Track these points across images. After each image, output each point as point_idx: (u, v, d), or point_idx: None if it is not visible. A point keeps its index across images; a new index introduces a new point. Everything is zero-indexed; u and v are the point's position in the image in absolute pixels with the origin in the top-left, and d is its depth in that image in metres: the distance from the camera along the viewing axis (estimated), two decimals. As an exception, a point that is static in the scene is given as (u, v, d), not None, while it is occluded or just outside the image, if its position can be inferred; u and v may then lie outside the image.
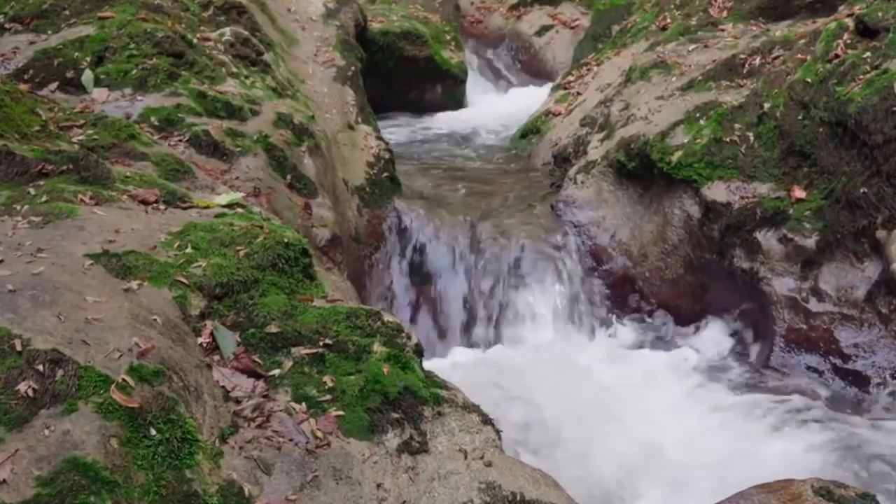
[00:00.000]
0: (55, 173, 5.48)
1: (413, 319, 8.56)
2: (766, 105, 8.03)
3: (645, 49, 11.03)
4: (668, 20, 11.52)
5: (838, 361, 7.18)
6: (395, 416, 4.51)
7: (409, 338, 5.00)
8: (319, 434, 4.24)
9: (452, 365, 7.60)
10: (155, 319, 4.34)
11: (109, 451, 3.51)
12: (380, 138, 10.39)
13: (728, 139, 8.04)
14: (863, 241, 7.21)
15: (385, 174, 9.71)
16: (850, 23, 7.92)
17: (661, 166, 8.32)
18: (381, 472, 4.24)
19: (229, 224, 5.38)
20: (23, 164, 5.43)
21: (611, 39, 13.66)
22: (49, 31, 8.23)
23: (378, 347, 4.78)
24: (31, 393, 3.57)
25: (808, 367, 7.28)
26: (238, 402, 4.34)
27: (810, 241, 7.38)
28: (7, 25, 8.39)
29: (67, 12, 8.42)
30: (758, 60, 8.93)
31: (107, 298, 4.29)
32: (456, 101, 15.34)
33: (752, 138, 7.96)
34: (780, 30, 9.75)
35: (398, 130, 13.70)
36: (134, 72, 7.67)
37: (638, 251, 8.62)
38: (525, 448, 6.25)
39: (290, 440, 4.18)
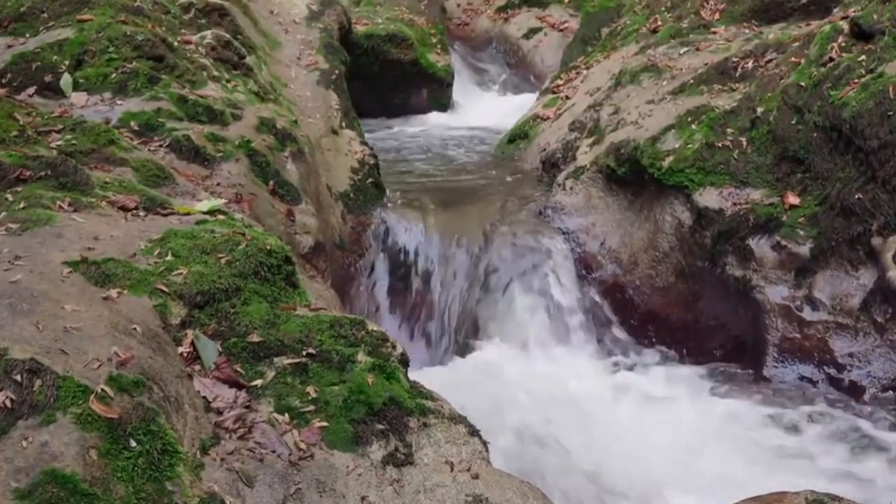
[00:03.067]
0: (33, 179, 5.41)
1: (398, 328, 8.47)
2: (760, 109, 7.95)
3: (635, 52, 11.01)
4: (659, 23, 11.49)
5: (833, 371, 7.10)
6: (380, 427, 4.46)
7: (394, 347, 4.96)
8: (303, 446, 4.21)
9: (437, 375, 7.51)
10: (135, 328, 4.28)
11: (88, 462, 3.44)
12: (364, 143, 10.34)
13: (720, 144, 7.95)
14: (858, 248, 7.12)
15: (370, 180, 9.64)
16: (844, 25, 7.85)
17: (652, 172, 8.24)
18: (365, 484, 4.19)
19: (210, 231, 5.33)
20: (0, 169, 5.35)
21: (600, 42, 13.63)
22: (27, 35, 8.12)
23: (362, 357, 4.75)
24: (8, 403, 3.49)
25: (802, 378, 7.20)
26: (219, 412, 4.30)
27: (804, 249, 7.29)
28: (-16, 29, 8.29)
29: (46, 15, 8.31)
30: (751, 64, 8.88)
31: (86, 307, 4.23)
32: (442, 105, 15.38)
33: (744, 143, 7.87)
34: (773, 32, 9.70)
35: (383, 135, 13.66)
36: (113, 75, 7.57)
37: (628, 258, 8.52)
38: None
39: (273, 452, 4.13)
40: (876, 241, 6.98)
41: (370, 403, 4.50)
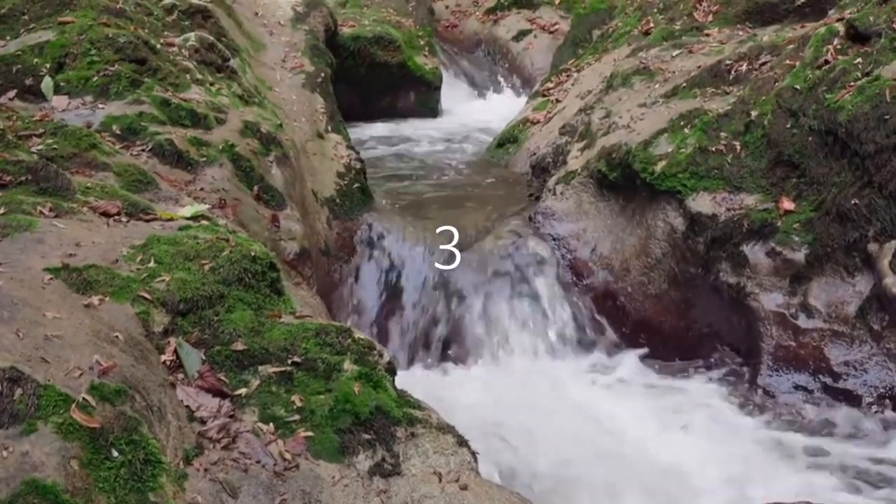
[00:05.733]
0: (13, 184, 5.35)
1: (384, 336, 8.38)
2: (754, 113, 7.89)
3: (627, 54, 11.00)
4: (651, 25, 11.50)
5: (828, 380, 7.01)
6: (367, 437, 4.41)
7: (381, 355, 4.89)
8: (288, 456, 4.15)
9: (424, 382, 7.45)
10: (117, 336, 4.20)
11: (70, 473, 3.37)
12: (351, 148, 10.30)
13: (714, 148, 7.88)
14: (854, 254, 7.05)
15: (356, 185, 9.59)
16: (840, 27, 7.81)
17: (644, 177, 8.16)
18: (352, 495, 4.13)
19: (194, 237, 5.27)
20: (-21, 175, 5.29)
21: (591, 44, 13.68)
22: (7, 37, 8.04)
23: (349, 365, 4.68)
24: (-13, 412, 3.44)
25: (797, 386, 7.11)
26: (203, 422, 4.23)
27: (799, 255, 7.21)
28: (-36, 31, 8.20)
29: (27, 17, 8.23)
30: (744, 66, 8.83)
31: (67, 314, 4.16)
32: (430, 108, 15.38)
33: (738, 147, 7.81)
34: (767, 35, 9.72)
35: (370, 139, 13.61)
36: (95, 79, 7.49)
37: (620, 265, 8.45)
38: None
39: (258, 462, 4.07)
40: (872, 247, 6.92)
41: (356, 413, 4.44)
